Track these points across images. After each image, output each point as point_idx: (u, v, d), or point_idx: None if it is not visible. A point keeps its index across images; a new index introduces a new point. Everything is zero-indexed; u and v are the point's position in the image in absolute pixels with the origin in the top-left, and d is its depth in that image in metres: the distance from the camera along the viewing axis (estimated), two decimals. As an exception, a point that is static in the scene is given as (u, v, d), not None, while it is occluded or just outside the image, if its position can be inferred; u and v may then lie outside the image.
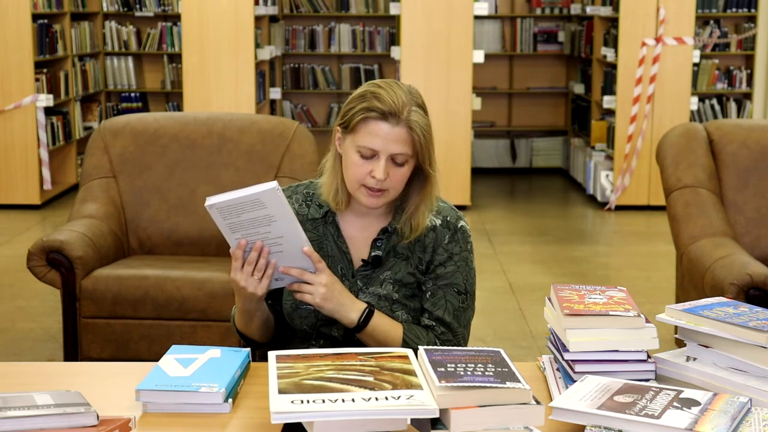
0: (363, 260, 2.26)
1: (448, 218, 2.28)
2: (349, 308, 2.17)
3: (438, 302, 2.25)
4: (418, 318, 2.27)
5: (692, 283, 3.94)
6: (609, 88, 8.22)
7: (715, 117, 9.02)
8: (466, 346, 2.29)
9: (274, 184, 2.00)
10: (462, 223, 2.29)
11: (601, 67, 8.59)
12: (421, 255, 2.26)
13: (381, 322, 2.20)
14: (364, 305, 2.19)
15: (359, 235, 2.28)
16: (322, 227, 2.28)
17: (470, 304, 2.29)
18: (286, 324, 2.32)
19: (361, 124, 2.14)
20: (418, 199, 2.22)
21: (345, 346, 2.22)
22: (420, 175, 2.22)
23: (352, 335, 2.22)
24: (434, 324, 2.25)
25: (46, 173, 7.76)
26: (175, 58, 9.33)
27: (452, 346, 2.25)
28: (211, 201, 2.02)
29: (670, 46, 7.75)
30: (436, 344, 2.23)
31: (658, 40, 7.73)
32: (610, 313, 1.91)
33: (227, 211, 2.02)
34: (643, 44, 7.74)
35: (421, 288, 2.27)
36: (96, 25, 9.32)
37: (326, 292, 2.12)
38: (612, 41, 8.19)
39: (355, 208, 2.27)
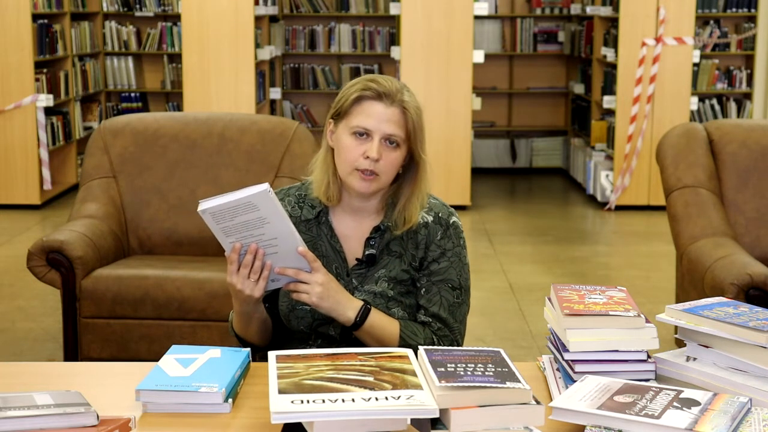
0: (357, 259, 2.27)
1: (440, 214, 2.29)
2: (346, 306, 2.17)
3: (433, 298, 2.26)
4: (414, 314, 2.29)
5: (692, 283, 3.94)
6: (609, 88, 8.22)
7: (715, 117, 9.02)
8: (462, 341, 2.31)
9: (265, 186, 1.99)
10: (454, 218, 2.31)
11: (601, 67, 8.59)
12: (414, 252, 2.27)
13: (378, 319, 2.21)
14: (361, 303, 2.20)
15: (352, 234, 2.29)
16: (315, 228, 2.29)
17: (465, 299, 2.30)
18: (284, 326, 2.32)
19: (356, 105, 2.19)
20: (409, 190, 2.24)
21: (342, 345, 2.23)
22: (411, 167, 2.24)
23: (349, 334, 2.22)
24: (430, 320, 2.26)
25: (46, 173, 7.76)
26: (175, 58, 9.33)
27: (449, 341, 2.26)
28: (203, 206, 2.01)
29: (670, 46, 7.75)
30: (433, 340, 2.24)
31: (658, 40, 7.73)
32: (610, 313, 1.91)
33: (220, 215, 2.02)
34: (643, 44, 7.74)
35: (416, 285, 2.29)
36: (96, 25, 9.32)
37: (322, 291, 2.13)
38: (612, 41, 8.19)
39: (347, 204, 2.28)
